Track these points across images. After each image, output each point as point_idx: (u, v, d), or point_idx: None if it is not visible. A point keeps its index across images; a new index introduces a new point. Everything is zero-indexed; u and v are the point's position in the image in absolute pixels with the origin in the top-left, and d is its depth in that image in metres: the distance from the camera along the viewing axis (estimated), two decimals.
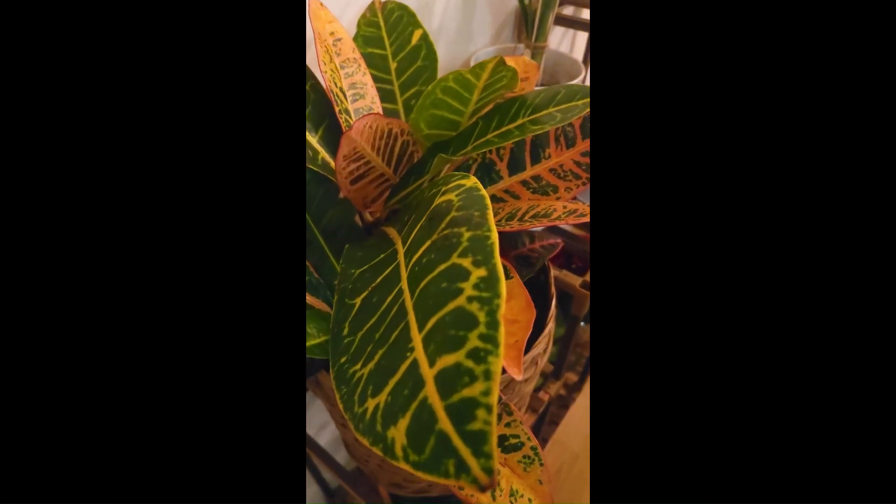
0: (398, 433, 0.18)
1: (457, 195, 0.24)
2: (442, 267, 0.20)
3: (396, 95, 0.48)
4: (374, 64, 0.49)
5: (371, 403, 0.20)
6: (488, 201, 0.22)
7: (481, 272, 0.19)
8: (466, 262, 0.19)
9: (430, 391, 0.18)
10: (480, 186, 0.23)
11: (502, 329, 0.17)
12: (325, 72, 0.35)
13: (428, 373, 0.18)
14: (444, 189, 0.26)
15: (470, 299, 0.18)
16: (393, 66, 0.49)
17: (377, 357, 0.22)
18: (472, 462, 0.15)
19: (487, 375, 0.16)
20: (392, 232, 0.32)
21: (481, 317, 0.18)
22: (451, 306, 0.19)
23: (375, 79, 0.48)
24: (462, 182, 0.25)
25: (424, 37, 0.49)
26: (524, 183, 0.39)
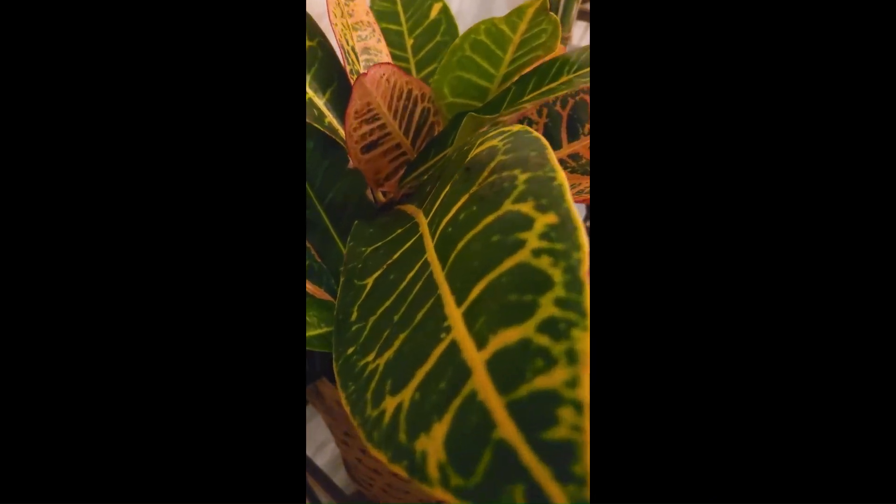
0: (432, 444, 0.12)
1: (501, 140, 0.19)
2: (490, 218, 0.15)
3: (413, 74, 0.43)
4: (389, 41, 0.44)
5: (390, 403, 0.14)
6: (546, 142, 0.17)
7: (549, 218, 0.13)
8: (527, 208, 0.14)
9: (482, 382, 0.12)
10: (532, 130, 0.18)
11: (588, 292, 0.12)
12: (336, 24, 0.30)
13: (476, 357, 0.13)
14: (481, 140, 0.20)
15: (537, 252, 0.13)
16: (409, 42, 0.45)
17: (397, 343, 0.16)
18: (554, 489, 0.10)
19: (572, 357, 0.11)
20: (410, 207, 0.27)
21: (556, 275, 0.12)
22: (507, 264, 0.13)
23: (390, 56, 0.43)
24: (506, 129, 0.20)
25: (444, 10, 0.44)
26: (561, 162, 0.34)
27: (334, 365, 0.19)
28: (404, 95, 0.28)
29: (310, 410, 0.71)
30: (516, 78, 0.32)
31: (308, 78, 0.30)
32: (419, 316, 0.16)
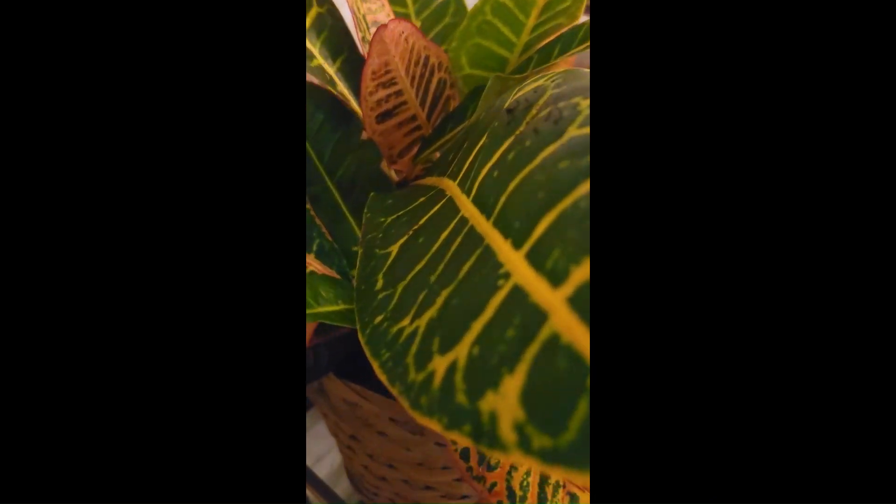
0: (504, 402, 0.10)
1: (548, 79, 0.17)
2: (552, 147, 0.13)
3: None
4: None
5: (440, 364, 0.12)
6: None
7: None
8: None
9: (565, 323, 0.10)
10: (580, 69, 0.16)
11: None
12: None
13: (552, 297, 0.10)
14: (519, 88, 0.18)
15: None
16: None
17: (440, 301, 0.14)
18: None
19: None
20: (430, 179, 0.25)
21: None
22: (584, 187, 0.11)
23: None
24: (549, 73, 0.18)
25: None
26: None
27: (360, 336, 0.16)
28: (422, 61, 0.26)
29: (309, 419, 0.68)
30: (538, 47, 0.30)
31: (318, 45, 0.28)
32: (463, 271, 0.14)
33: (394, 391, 0.13)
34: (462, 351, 0.12)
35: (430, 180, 0.25)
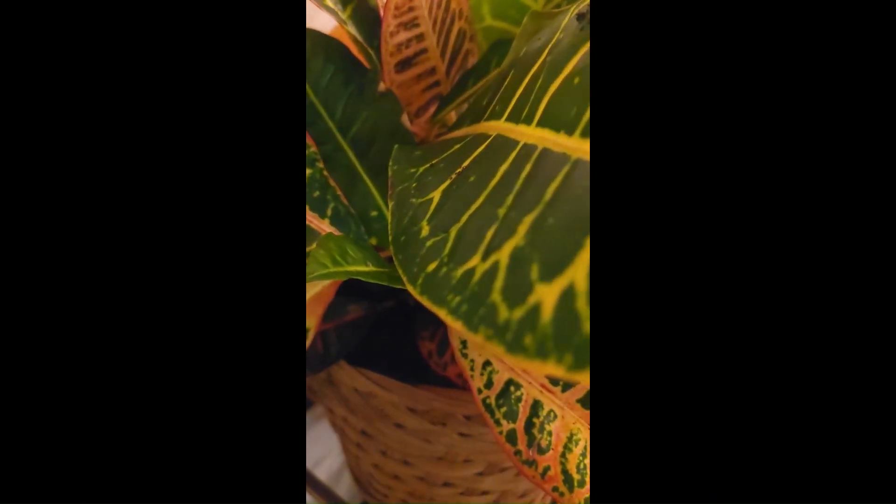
0: None
1: None
2: None
3: None
4: None
5: (545, 293, 0.09)
6: None
7: None
8: None
9: None
10: None
11: None
12: None
13: None
14: (575, 4, 0.16)
15: None
16: None
17: (523, 229, 0.11)
18: None
19: None
20: (460, 130, 0.22)
21: None
22: None
23: None
24: None
25: None
26: None
27: (412, 288, 0.14)
28: (444, 4, 0.24)
29: (308, 420, 0.65)
30: None
31: None
32: (549, 192, 0.12)
33: (477, 338, 0.10)
34: (579, 272, 0.09)
35: (459, 131, 0.22)
